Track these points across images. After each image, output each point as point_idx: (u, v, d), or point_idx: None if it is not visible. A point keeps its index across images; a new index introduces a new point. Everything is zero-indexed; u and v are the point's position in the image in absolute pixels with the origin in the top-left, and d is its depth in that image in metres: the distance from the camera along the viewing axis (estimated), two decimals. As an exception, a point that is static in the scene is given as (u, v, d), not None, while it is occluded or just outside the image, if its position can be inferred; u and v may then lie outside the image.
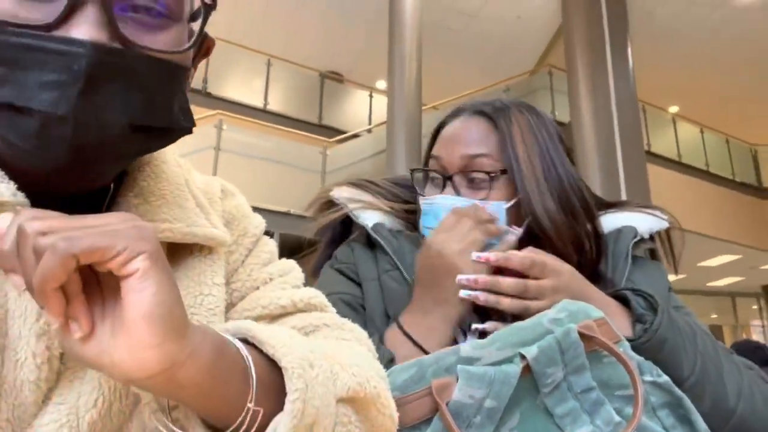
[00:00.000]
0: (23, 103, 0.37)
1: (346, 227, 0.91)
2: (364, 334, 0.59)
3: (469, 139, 0.83)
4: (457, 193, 0.81)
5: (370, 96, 9.59)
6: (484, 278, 0.72)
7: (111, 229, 0.31)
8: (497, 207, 0.80)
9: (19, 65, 0.37)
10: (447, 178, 0.82)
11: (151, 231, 0.33)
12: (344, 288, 0.82)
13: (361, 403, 0.44)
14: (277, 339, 0.39)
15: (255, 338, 0.39)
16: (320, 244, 0.92)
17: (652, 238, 0.87)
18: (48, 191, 0.44)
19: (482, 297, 0.72)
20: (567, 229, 0.78)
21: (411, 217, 0.89)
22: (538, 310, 0.66)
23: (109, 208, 0.47)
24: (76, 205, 0.45)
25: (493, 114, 0.84)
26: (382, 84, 9.10)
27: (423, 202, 0.84)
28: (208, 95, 8.01)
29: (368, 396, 0.45)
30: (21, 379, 0.37)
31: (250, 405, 0.36)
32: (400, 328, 0.72)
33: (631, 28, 6.86)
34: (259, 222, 0.64)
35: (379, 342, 0.70)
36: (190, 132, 0.48)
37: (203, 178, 0.61)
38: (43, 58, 0.37)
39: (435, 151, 0.85)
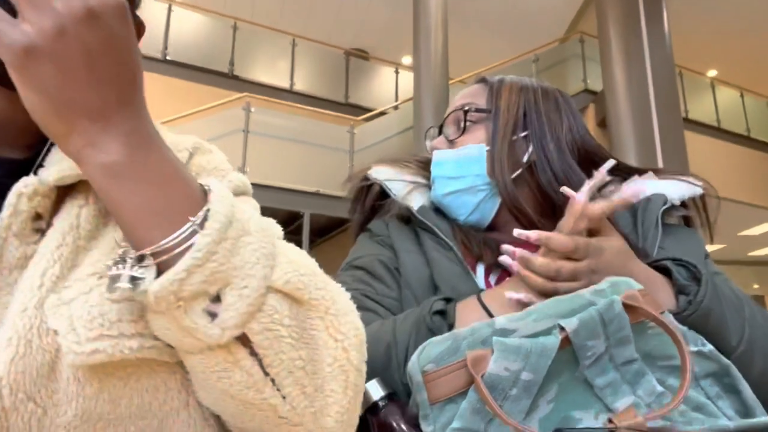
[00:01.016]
0: None
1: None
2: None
3: (464, 96, 0.90)
4: (446, 138, 0.87)
5: (396, 72, 9.49)
6: (521, 252, 0.70)
7: None
8: (475, 150, 0.83)
9: None
10: (439, 127, 0.90)
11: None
12: (380, 251, 0.83)
13: (303, 309, 0.41)
14: (237, 206, 0.40)
15: (209, 187, 0.40)
16: (354, 220, 0.93)
17: (685, 205, 0.84)
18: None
19: (515, 268, 0.70)
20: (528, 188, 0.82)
21: None
22: (568, 292, 0.64)
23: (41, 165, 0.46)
24: (20, 162, 0.45)
25: (489, 78, 0.92)
26: (407, 59, 8.99)
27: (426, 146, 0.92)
28: (235, 78, 8.04)
29: (313, 303, 0.41)
30: None
31: (192, 218, 0.37)
32: (479, 299, 0.71)
33: (666, -10, 6.59)
34: (236, 177, 0.59)
35: (432, 302, 0.69)
36: None
37: (175, 137, 0.58)
38: None
39: (447, 113, 0.92)
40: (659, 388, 0.58)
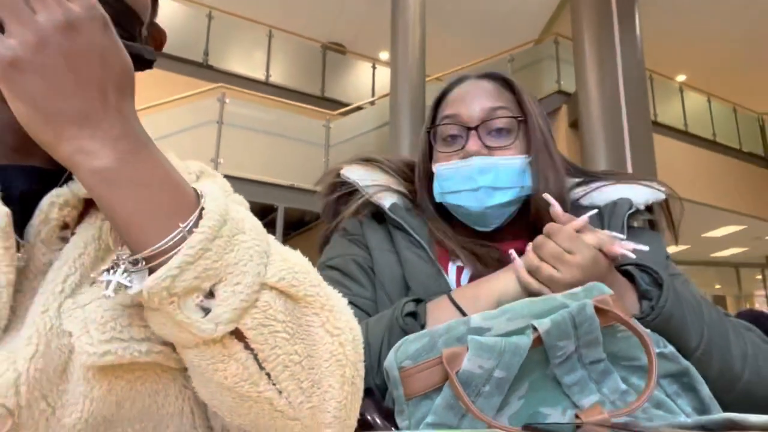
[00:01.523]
0: None
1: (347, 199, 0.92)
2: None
3: (487, 94, 0.86)
4: (483, 143, 0.82)
5: (373, 68, 9.47)
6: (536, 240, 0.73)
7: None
8: (521, 162, 0.82)
9: None
10: (472, 128, 0.83)
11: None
12: (355, 251, 0.84)
13: (299, 306, 0.42)
14: (234, 211, 0.41)
15: (200, 188, 0.41)
16: (327, 221, 0.93)
17: (650, 209, 0.88)
18: (20, 151, 0.45)
19: (519, 261, 0.74)
20: (562, 191, 0.83)
21: (414, 196, 0.91)
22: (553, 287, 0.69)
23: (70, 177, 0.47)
24: (46, 171, 0.46)
25: (502, 77, 0.89)
26: (385, 55, 8.98)
27: (444, 166, 0.84)
28: (210, 68, 7.92)
29: (309, 300, 0.42)
30: None
31: (182, 224, 0.37)
32: (450, 298, 0.73)
33: (639, -5, 6.72)
34: (239, 200, 0.61)
35: (403, 304, 0.71)
36: (150, 66, 0.50)
37: (183, 162, 0.60)
38: None
39: (449, 111, 0.86)
40: (623, 386, 0.61)
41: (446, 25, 8.49)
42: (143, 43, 0.51)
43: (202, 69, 7.83)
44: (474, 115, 0.84)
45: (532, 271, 0.72)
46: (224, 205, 0.41)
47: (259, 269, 0.40)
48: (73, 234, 0.44)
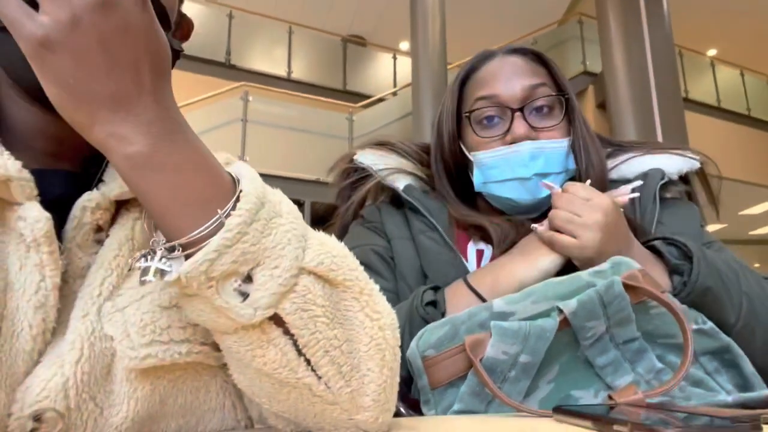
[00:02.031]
0: None
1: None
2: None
3: (522, 71, 0.81)
4: (530, 125, 0.78)
5: (394, 58, 9.42)
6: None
7: None
8: (567, 144, 0.79)
9: None
10: (516, 110, 0.78)
11: None
12: (374, 240, 0.82)
13: (337, 290, 0.41)
14: (268, 191, 0.41)
15: (236, 172, 0.40)
16: (341, 207, 0.91)
17: (685, 180, 0.84)
18: (53, 157, 0.45)
19: (540, 228, 0.71)
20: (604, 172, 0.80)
21: (432, 181, 0.88)
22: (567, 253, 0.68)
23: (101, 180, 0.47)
24: (79, 176, 0.46)
25: (532, 51, 0.84)
26: (405, 45, 8.92)
27: (489, 154, 0.79)
28: (233, 67, 7.99)
29: (347, 284, 0.41)
30: (16, 348, 0.38)
31: (220, 211, 0.37)
32: (466, 283, 0.70)
33: (664, -31, 6.51)
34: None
35: (422, 293, 0.69)
36: (178, 57, 0.49)
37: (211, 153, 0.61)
38: None
39: (485, 92, 0.81)
40: (659, 365, 0.58)
41: (466, 11, 8.37)
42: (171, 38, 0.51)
43: (225, 68, 7.91)
44: (516, 95, 0.78)
45: (549, 244, 0.69)
46: (261, 188, 0.40)
47: (297, 253, 0.39)
48: (107, 236, 0.45)
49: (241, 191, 0.38)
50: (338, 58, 9.01)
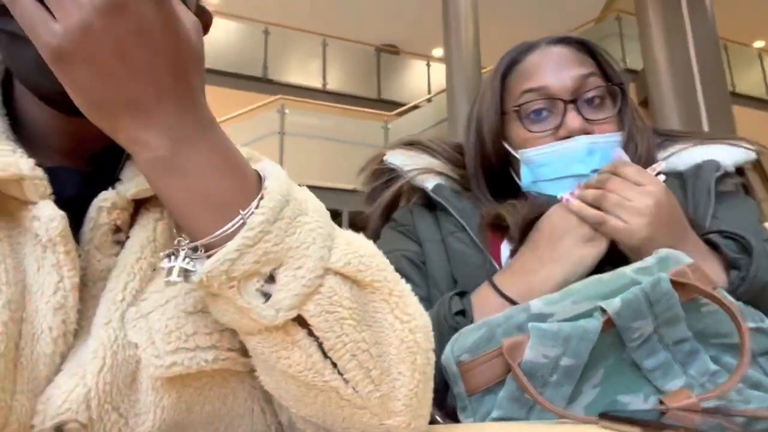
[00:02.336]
0: None
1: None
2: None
3: (570, 60, 0.77)
4: (583, 117, 0.73)
5: (428, 65, 9.43)
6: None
7: None
8: (620, 139, 0.75)
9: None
10: (569, 102, 0.74)
11: None
12: (405, 245, 0.79)
13: (366, 291, 0.40)
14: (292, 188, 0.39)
15: (262, 169, 0.39)
16: (375, 209, 0.88)
17: (740, 172, 0.78)
18: (68, 155, 0.45)
19: (574, 203, 0.67)
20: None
21: (467, 182, 0.84)
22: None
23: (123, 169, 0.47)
24: (93, 174, 0.46)
25: (578, 39, 0.80)
26: (438, 52, 8.91)
27: (538, 151, 0.75)
28: (269, 81, 8.15)
29: (376, 285, 0.40)
30: (37, 352, 0.37)
31: (242, 211, 0.35)
32: (494, 287, 0.66)
33: (705, -40, 6.31)
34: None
35: (449, 301, 0.66)
36: (207, 28, 0.48)
37: None
38: None
39: (532, 84, 0.76)
40: (713, 367, 0.54)
41: (500, 14, 8.30)
42: None
43: (262, 83, 8.07)
44: (566, 86, 0.74)
45: (596, 225, 0.65)
46: (286, 184, 0.38)
47: (323, 253, 0.37)
48: (127, 238, 0.44)
49: (265, 189, 0.37)
50: (372, 67, 9.07)
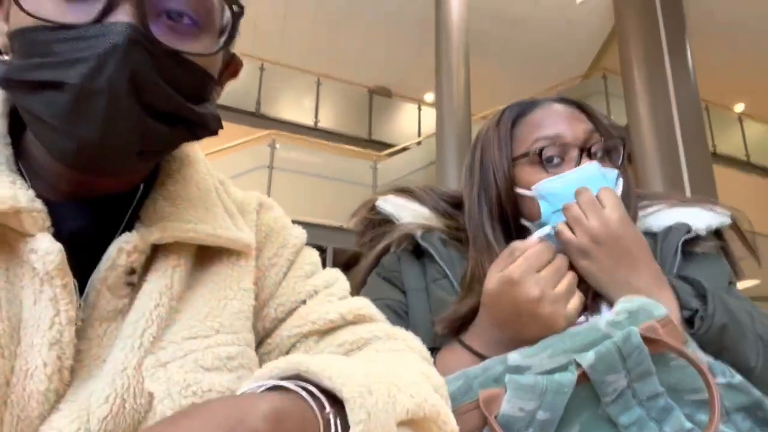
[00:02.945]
0: (61, 79, 0.38)
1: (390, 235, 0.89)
2: (416, 341, 0.56)
3: (578, 117, 0.81)
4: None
5: (419, 109, 9.59)
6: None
7: None
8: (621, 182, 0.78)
9: (61, 54, 0.39)
10: (583, 148, 0.76)
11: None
12: (389, 294, 0.80)
13: (421, 424, 0.42)
14: (332, 369, 0.38)
15: (309, 371, 0.38)
16: (365, 254, 0.90)
17: (719, 236, 0.81)
18: (73, 193, 0.45)
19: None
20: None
21: (456, 232, 0.86)
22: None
23: (135, 210, 0.47)
24: (101, 211, 0.46)
25: (576, 102, 0.84)
26: (430, 96, 9.09)
27: (555, 179, 0.76)
28: (262, 116, 8.21)
29: (428, 416, 0.42)
30: (30, 389, 0.37)
31: None
32: (466, 346, 0.68)
33: (688, 28, 6.58)
34: (300, 233, 0.63)
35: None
36: (215, 133, 0.48)
37: (242, 193, 0.62)
38: (84, 43, 0.38)
39: (546, 132, 0.78)
40: (687, 425, 0.55)
41: (491, 64, 8.54)
42: (212, 99, 0.50)
43: (255, 117, 8.13)
44: (579, 136, 0.77)
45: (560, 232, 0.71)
46: (361, 383, 0.37)
47: (392, 415, 0.38)
48: (143, 281, 0.44)
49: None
50: (364, 108, 9.21)
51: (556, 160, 0.77)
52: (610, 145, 0.79)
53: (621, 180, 0.78)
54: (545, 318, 0.63)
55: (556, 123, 0.79)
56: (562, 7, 7.61)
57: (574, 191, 0.73)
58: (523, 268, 0.65)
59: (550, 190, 0.76)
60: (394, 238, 0.85)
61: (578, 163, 0.76)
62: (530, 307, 0.63)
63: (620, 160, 0.79)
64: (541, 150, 0.77)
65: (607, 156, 0.79)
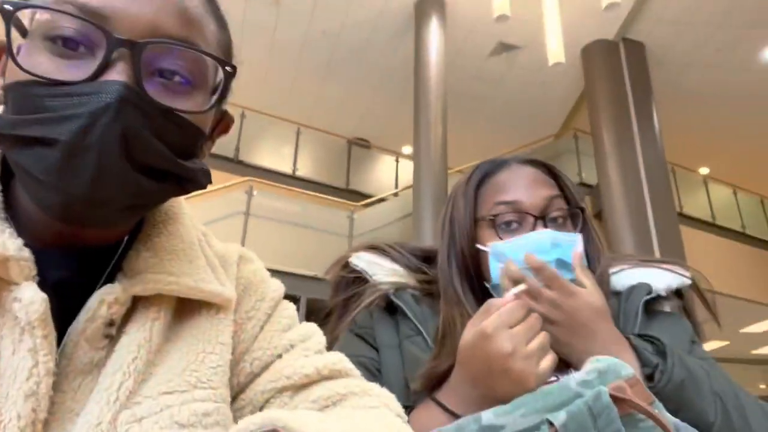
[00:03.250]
0: (52, 136, 0.39)
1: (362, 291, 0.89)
2: (391, 397, 0.56)
3: (539, 182, 0.83)
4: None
5: (397, 161, 9.74)
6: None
7: None
8: (577, 238, 0.80)
9: (54, 110, 0.39)
10: (539, 217, 0.79)
11: None
12: (362, 351, 0.80)
13: None
14: (309, 428, 0.38)
15: (286, 427, 0.38)
16: (336, 310, 0.90)
17: (680, 295, 0.84)
18: (59, 243, 0.45)
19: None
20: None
21: (428, 287, 0.87)
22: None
23: (119, 262, 0.47)
24: (85, 260, 0.46)
25: (544, 164, 0.87)
26: (407, 149, 9.25)
27: (506, 241, 0.78)
28: (240, 163, 8.24)
29: None
30: None
31: None
32: (440, 404, 0.68)
33: (655, 93, 6.91)
34: (278, 286, 0.63)
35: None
36: (204, 187, 0.50)
37: (223, 245, 0.62)
38: (77, 100, 0.39)
39: (506, 197, 0.81)
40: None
41: (467, 122, 8.78)
42: (203, 154, 0.52)
43: (233, 164, 8.14)
44: (537, 204, 0.80)
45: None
46: None
47: None
48: (122, 333, 0.44)
49: None
50: (343, 158, 9.31)
51: (514, 225, 0.80)
52: (567, 213, 0.82)
53: (580, 242, 0.80)
54: (516, 374, 0.64)
55: (517, 188, 0.82)
56: (535, 70, 7.93)
57: (522, 256, 0.75)
58: (496, 323, 0.66)
59: (502, 252, 0.79)
60: (370, 300, 0.85)
61: (533, 230, 0.79)
62: (502, 362, 0.64)
63: (579, 226, 0.82)
64: (495, 216, 0.81)
65: (571, 220, 0.82)
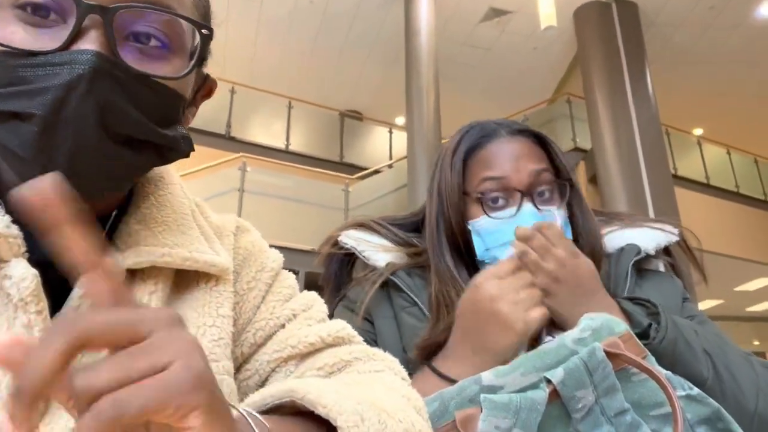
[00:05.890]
0: (27, 110, 0.38)
1: (352, 267, 0.91)
2: (395, 361, 0.57)
3: (528, 154, 0.82)
4: (537, 207, 0.79)
5: (390, 132, 9.68)
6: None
7: (162, 381, 0.27)
8: (566, 222, 0.81)
9: (28, 82, 0.39)
10: (525, 194, 0.79)
11: (204, 372, 0.29)
12: (356, 324, 0.81)
13: None
14: (327, 397, 0.38)
15: (305, 399, 0.38)
16: (327, 288, 0.91)
17: (669, 253, 0.85)
18: None
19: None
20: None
21: (418, 259, 0.87)
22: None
23: (110, 235, 0.47)
24: None
25: (535, 133, 0.86)
26: (401, 120, 9.20)
27: (490, 219, 0.79)
28: (232, 139, 8.17)
29: None
30: (2, 418, 0.36)
31: None
32: (434, 370, 0.69)
33: (648, 55, 6.85)
34: (277, 256, 0.63)
35: None
36: (187, 155, 0.49)
37: (219, 216, 0.62)
38: (50, 71, 0.39)
39: (492, 172, 0.81)
40: (654, 441, 0.57)
41: (459, 89, 8.70)
42: (184, 121, 0.51)
43: (225, 140, 8.08)
44: (523, 180, 0.79)
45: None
46: (353, 410, 0.38)
47: None
48: None
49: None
50: (335, 131, 9.25)
51: (501, 201, 0.80)
52: (555, 186, 0.82)
53: (559, 218, 0.81)
54: (503, 316, 0.67)
55: (504, 163, 0.81)
56: (527, 35, 7.84)
57: (513, 229, 0.76)
58: (485, 274, 0.71)
59: (484, 228, 0.80)
60: (357, 267, 0.87)
61: (520, 206, 0.79)
62: (489, 305, 0.68)
63: (565, 201, 0.82)
64: (482, 194, 0.81)
65: (558, 193, 0.83)
